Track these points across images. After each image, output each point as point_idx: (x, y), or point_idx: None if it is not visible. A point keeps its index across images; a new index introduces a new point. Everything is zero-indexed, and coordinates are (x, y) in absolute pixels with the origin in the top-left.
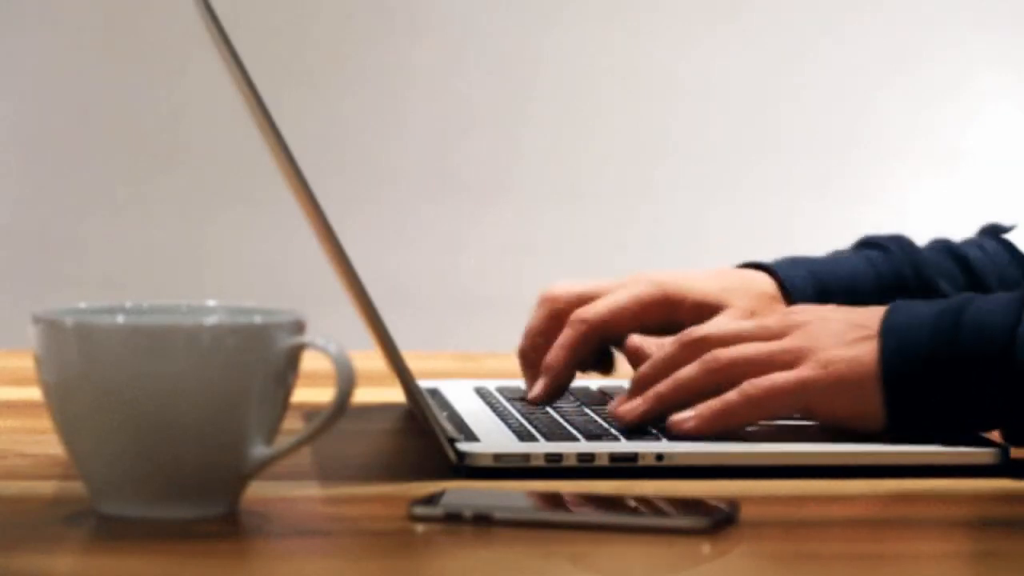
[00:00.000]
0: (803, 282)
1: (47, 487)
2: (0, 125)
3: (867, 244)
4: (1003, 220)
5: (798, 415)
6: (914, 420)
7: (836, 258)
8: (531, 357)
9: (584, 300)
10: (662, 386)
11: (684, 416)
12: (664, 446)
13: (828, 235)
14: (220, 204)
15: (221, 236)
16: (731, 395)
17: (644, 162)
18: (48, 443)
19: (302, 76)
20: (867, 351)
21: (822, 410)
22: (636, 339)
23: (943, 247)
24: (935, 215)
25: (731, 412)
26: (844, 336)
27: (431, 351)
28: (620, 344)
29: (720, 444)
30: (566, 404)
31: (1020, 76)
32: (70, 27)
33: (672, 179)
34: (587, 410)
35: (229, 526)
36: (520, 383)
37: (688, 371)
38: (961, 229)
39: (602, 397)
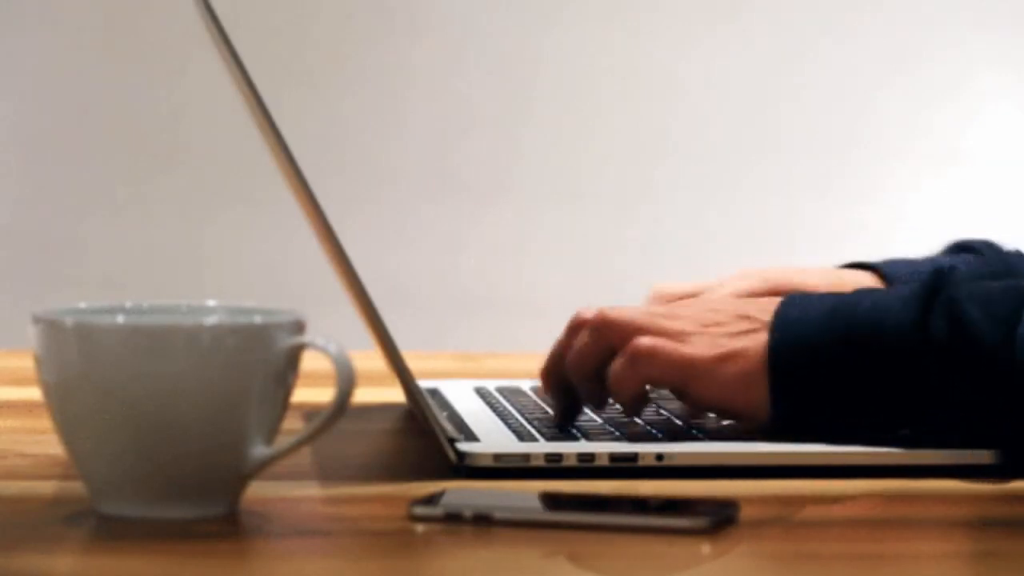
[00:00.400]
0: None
1: (47, 487)
2: (0, 125)
3: (959, 248)
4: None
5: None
6: (800, 416)
7: (937, 260)
8: None
9: (695, 296)
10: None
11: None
12: (664, 446)
13: (828, 235)
14: (220, 204)
15: (221, 236)
16: (617, 363)
17: (644, 162)
18: (48, 443)
19: (302, 76)
20: (754, 342)
21: (702, 394)
22: None
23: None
24: (935, 215)
25: (622, 376)
26: (731, 327)
27: (431, 351)
28: None
29: (720, 444)
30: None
31: (1020, 76)
32: (70, 27)
33: (672, 179)
34: (587, 410)
35: (229, 526)
36: (519, 383)
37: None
38: (961, 229)
39: None
